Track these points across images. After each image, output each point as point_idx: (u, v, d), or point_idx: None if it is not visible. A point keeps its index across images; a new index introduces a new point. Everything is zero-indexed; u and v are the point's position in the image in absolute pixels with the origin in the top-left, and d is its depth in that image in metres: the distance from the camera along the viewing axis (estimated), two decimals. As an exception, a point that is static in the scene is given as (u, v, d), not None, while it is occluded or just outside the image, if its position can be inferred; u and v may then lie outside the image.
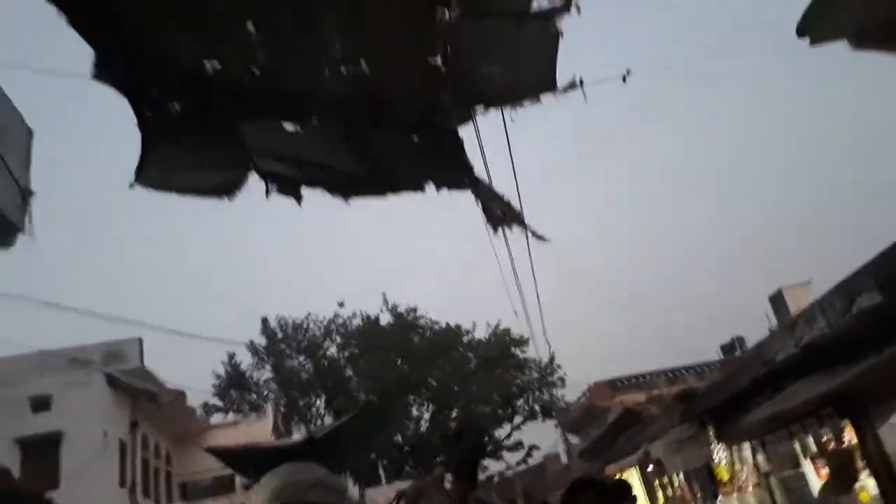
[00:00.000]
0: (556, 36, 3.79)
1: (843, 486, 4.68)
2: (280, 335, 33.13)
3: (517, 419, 33.42)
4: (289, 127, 4.31)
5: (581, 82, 4.21)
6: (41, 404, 15.29)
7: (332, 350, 33.85)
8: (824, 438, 6.44)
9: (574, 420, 24.38)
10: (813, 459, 7.10)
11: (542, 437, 32.74)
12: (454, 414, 33.78)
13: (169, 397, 14.80)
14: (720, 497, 8.62)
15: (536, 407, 33.57)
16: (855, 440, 5.63)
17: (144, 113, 4.10)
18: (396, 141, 4.48)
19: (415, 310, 33.60)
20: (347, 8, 3.54)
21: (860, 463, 5.29)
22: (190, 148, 4.18)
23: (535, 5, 3.64)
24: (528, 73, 4.03)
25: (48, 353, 15.08)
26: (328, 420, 32.98)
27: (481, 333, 33.33)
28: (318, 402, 34.05)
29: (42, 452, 15.23)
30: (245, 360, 32.73)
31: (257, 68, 3.89)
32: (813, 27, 4.26)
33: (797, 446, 7.02)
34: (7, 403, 15.02)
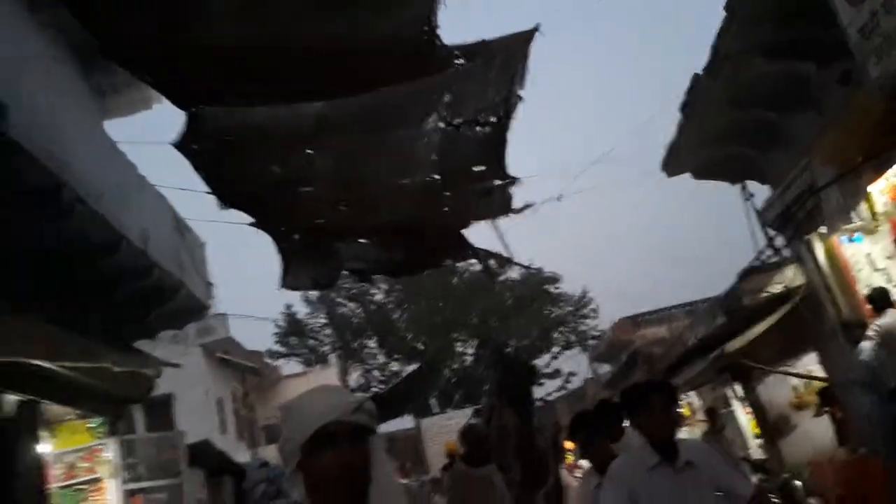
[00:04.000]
0: (510, 194, 6.93)
1: (713, 434, 7.94)
2: (330, 285, 36.95)
3: (554, 349, 37.11)
4: (363, 241, 7.60)
5: (529, 205, 7.40)
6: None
7: (380, 296, 37.68)
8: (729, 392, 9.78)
9: (601, 353, 27.87)
10: (740, 400, 10.37)
11: (580, 365, 36.37)
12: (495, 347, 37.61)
13: (262, 367, 18.74)
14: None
15: (572, 337, 37.12)
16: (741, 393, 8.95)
17: (281, 244, 7.42)
18: (426, 243, 7.73)
19: (452, 255, 36.88)
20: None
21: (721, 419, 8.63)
22: (308, 261, 7.50)
23: (496, 183, 6.77)
24: (496, 208, 7.19)
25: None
26: (381, 359, 37.40)
27: (515, 273, 36.46)
28: (370, 343, 38.21)
29: (160, 411, 19.57)
30: (301, 309, 36.84)
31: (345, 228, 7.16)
32: (669, 164, 7.25)
33: (728, 392, 10.29)
34: (128, 374, 19.32)
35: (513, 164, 6.75)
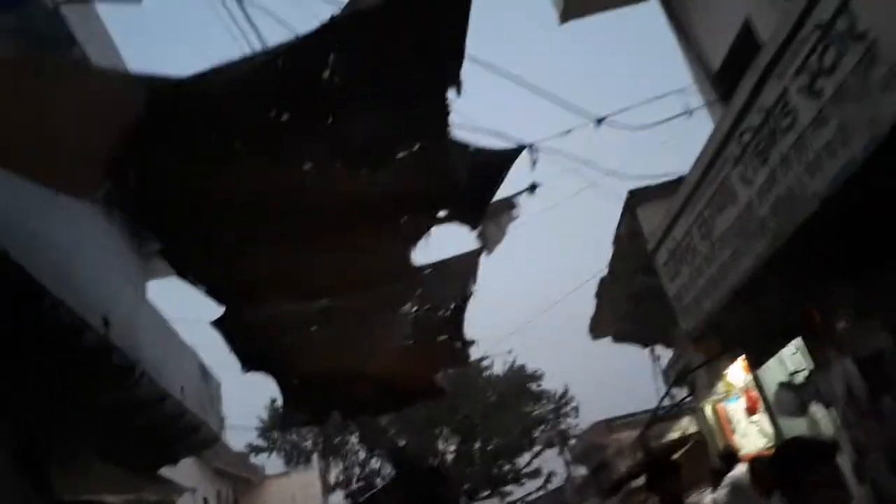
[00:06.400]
0: (468, 353, 9.06)
1: None
2: (314, 380, 38.37)
3: (535, 448, 38.38)
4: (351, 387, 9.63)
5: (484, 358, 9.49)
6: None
7: (363, 392, 39.02)
8: None
9: (578, 454, 29.45)
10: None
11: (560, 465, 37.53)
12: (477, 445, 38.94)
13: (252, 474, 20.26)
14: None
15: (553, 436, 38.47)
16: None
17: (283, 387, 9.42)
18: (403, 389, 9.77)
19: (435, 352, 38.72)
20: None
21: None
22: (305, 402, 9.50)
23: (456, 346, 8.90)
24: (458, 361, 9.29)
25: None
26: (362, 455, 38.45)
27: (498, 369, 38.15)
28: (351, 439, 39.26)
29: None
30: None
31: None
32: (593, 331, 9.44)
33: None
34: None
35: (480, 325, 9.01)
